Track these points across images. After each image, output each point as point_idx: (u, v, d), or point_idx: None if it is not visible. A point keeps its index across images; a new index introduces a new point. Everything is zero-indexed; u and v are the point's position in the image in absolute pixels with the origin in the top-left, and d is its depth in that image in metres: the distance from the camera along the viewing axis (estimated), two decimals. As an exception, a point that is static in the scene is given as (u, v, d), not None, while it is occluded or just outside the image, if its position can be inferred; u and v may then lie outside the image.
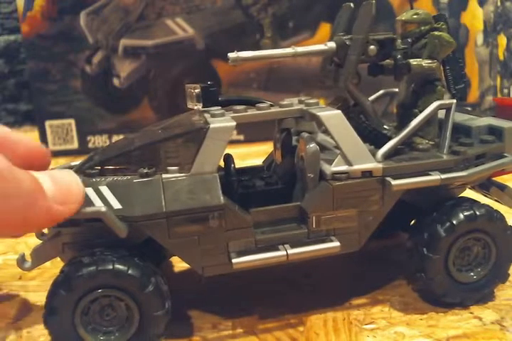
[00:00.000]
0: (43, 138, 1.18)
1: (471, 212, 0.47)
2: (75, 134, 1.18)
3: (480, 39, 1.25)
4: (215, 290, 0.54)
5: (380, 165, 0.46)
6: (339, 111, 0.46)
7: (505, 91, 1.28)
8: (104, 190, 0.43)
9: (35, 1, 1.14)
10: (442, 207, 0.48)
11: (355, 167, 0.45)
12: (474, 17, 1.23)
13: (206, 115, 0.46)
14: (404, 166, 0.46)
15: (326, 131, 0.46)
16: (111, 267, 0.41)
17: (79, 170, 0.45)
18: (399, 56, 0.49)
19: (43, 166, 0.47)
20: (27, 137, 0.47)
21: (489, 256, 0.49)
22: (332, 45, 0.48)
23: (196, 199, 0.43)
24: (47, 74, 1.16)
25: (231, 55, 0.45)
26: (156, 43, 1.16)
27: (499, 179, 0.54)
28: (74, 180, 0.35)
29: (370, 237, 0.48)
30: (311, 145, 0.45)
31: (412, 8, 0.51)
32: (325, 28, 1.21)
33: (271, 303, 0.51)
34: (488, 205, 0.49)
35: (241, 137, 1.19)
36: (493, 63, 1.26)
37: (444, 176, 0.46)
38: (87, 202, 0.41)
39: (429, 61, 0.49)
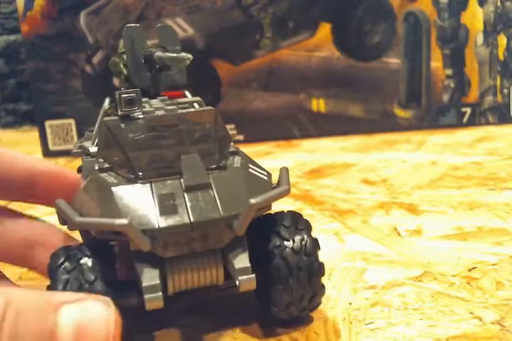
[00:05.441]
0: (43, 138, 1.18)
1: None
2: (75, 134, 1.18)
3: (480, 39, 1.25)
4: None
5: None
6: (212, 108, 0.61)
7: (505, 91, 1.28)
8: None
9: (35, 1, 1.14)
10: None
11: None
12: (474, 17, 1.23)
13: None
14: None
15: None
16: None
17: None
18: None
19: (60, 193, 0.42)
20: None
21: None
22: (188, 55, 0.54)
23: None
24: (47, 74, 1.16)
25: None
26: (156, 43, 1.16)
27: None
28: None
29: None
30: None
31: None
32: (325, 28, 1.21)
33: (271, 303, 0.51)
34: None
35: (241, 137, 1.19)
36: (493, 63, 1.26)
37: None
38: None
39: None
